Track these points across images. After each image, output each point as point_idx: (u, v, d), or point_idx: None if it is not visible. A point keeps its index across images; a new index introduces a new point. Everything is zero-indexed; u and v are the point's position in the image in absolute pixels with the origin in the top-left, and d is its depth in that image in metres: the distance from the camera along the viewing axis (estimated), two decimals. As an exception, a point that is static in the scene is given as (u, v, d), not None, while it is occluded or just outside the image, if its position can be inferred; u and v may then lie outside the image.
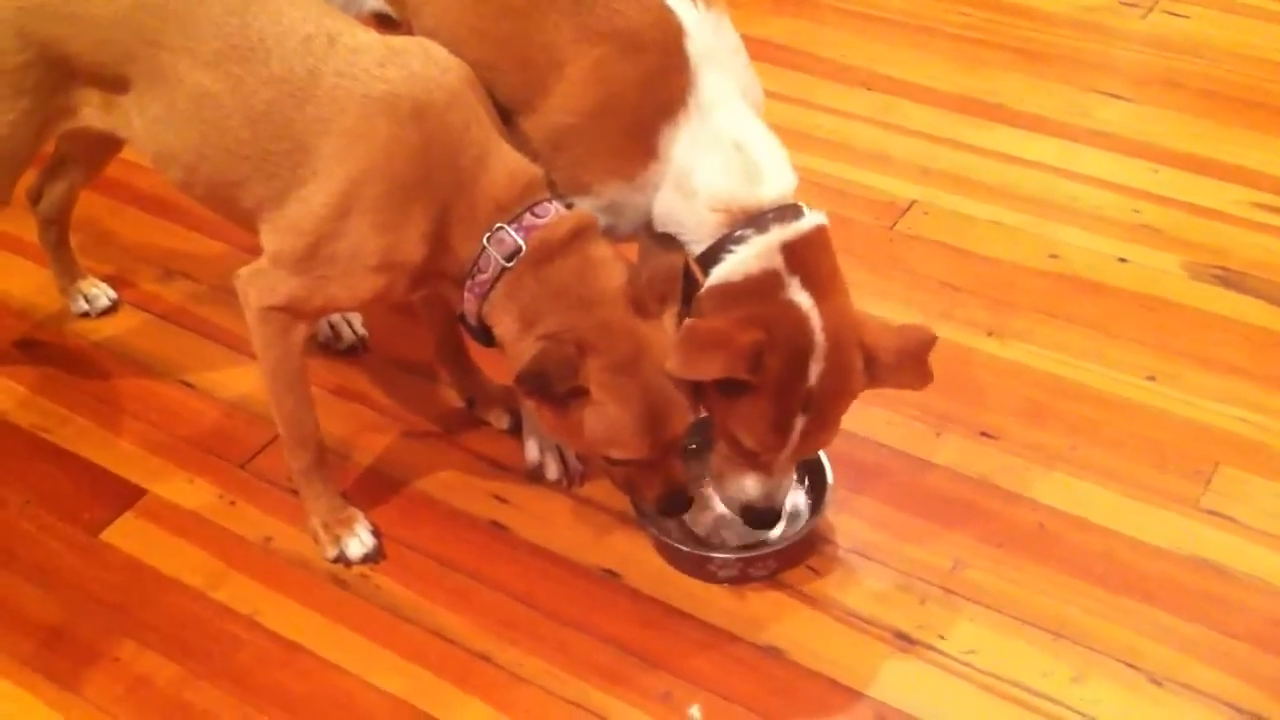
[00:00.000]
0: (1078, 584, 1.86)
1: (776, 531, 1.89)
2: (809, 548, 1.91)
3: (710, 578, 1.88)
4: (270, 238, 1.75)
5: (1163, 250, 2.44)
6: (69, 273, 2.35)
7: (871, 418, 2.06)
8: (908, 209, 2.56)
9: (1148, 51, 3.06)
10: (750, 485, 1.77)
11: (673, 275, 1.70)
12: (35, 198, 2.23)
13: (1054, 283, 2.38)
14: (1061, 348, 2.24)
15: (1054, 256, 2.43)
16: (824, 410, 1.69)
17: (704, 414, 1.77)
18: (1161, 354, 2.21)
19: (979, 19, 3.16)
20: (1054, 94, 2.88)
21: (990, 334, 2.27)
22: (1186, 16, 3.14)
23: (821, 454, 1.92)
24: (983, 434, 2.09)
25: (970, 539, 1.93)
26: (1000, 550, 1.91)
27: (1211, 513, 1.95)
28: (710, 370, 1.63)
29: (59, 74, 1.80)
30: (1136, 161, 2.67)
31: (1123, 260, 2.42)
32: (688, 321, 1.66)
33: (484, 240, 1.69)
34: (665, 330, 1.69)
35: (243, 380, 2.21)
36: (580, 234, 1.70)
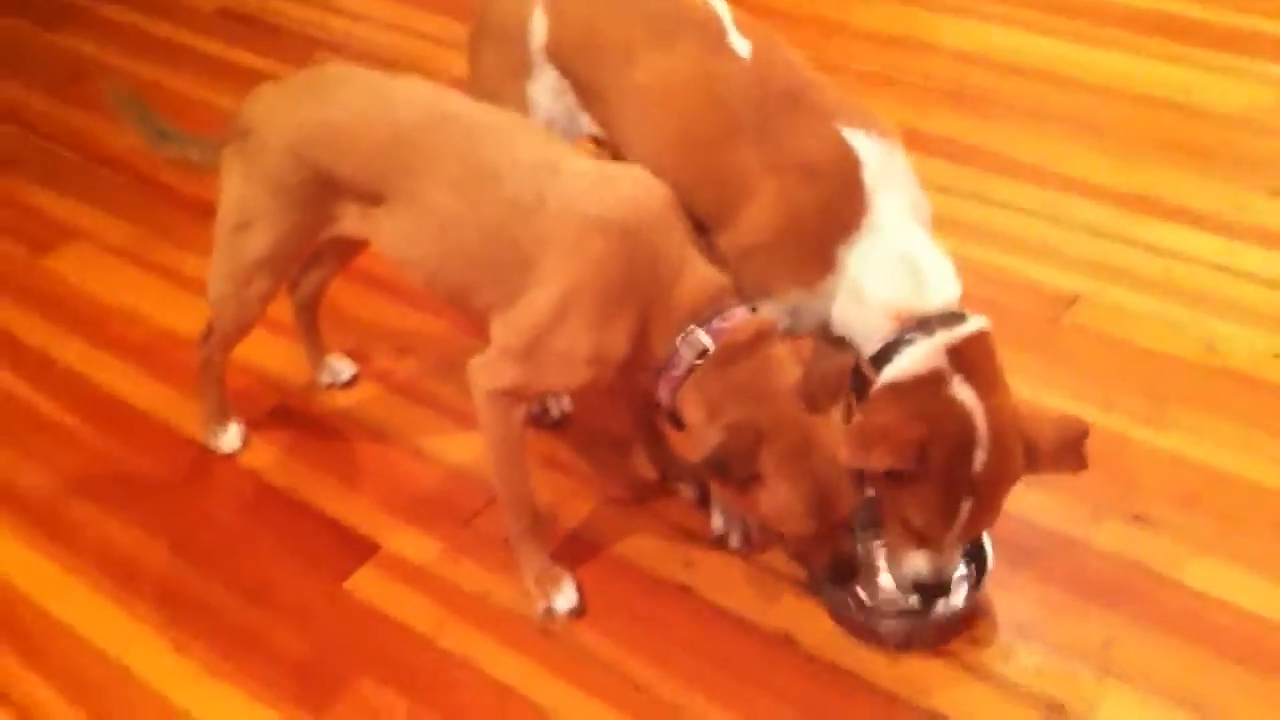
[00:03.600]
0: (1225, 666, 1.96)
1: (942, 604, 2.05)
2: (969, 619, 2.07)
3: (878, 642, 2.06)
4: (499, 333, 2.02)
5: (1321, 347, 2.51)
6: (318, 349, 2.67)
7: (1030, 501, 2.20)
8: (1073, 301, 2.68)
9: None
10: (921, 564, 1.93)
11: (841, 374, 1.89)
12: (293, 287, 2.55)
13: (1211, 375, 2.47)
14: (1217, 439, 2.34)
15: (1212, 350, 2.53)
16: (987, 494, 1.85)
17: (869, 494, 1.96)
18: (1316, 448, 2.29)
19: (1147, 116, 3.25)
20: (1217, 191, 2.96)
21: (1148, 423, 2.38)
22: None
23: (984, 534, 2.08)
24: (1137, 518, 2.21)
25: (1122, 619, 2.05)
26: (1151, 631, 2.02)
27: (1361, 603, 2.02)
28: (879, 462, 1.80)
29: (327, 191, 2.11)
30: (1298, 258, 2.74)
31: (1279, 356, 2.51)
32: (856, 418, 1.86)
33: (678, 341, 1.94)
34: (832, 422, 1.90)
35: (463, 448, 2.47)
36: (761, 337, 1.93)
